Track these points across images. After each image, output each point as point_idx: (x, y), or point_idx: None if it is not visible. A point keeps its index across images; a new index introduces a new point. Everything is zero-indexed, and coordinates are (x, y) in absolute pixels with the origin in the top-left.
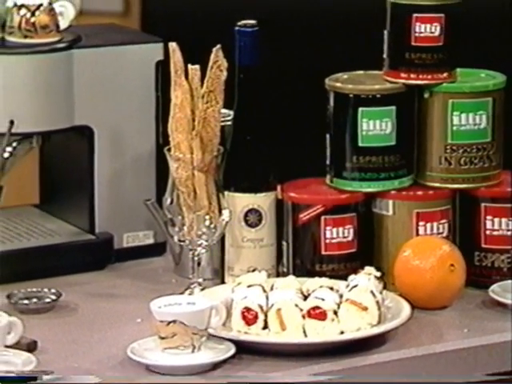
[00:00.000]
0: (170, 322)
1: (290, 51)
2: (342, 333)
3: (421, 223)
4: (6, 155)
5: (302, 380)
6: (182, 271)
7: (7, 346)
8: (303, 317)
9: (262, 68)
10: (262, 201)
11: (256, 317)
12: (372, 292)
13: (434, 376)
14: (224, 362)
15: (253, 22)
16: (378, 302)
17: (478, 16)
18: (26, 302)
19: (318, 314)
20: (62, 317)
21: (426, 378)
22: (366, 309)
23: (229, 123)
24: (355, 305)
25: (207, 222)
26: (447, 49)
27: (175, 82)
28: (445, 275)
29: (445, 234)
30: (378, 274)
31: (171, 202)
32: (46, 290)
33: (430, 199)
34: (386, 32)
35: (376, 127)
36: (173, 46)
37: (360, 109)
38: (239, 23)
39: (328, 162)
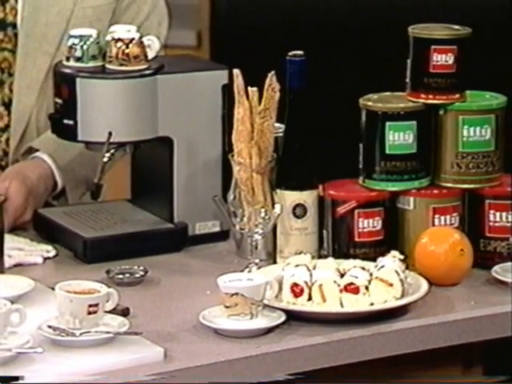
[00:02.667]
0: (233, 294)
1: (330, 76)
2: (371, 304)
3: (436, 216)
4: (105, 160)
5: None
6: (242, 253)
7: (106, 311)
8: (340, 291)
9: (307, 90)
10: (307, 197)
11: (302, 290)
12: (396, 271)
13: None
14: (276, 327)
15: (301, 52)
16: (401, 280)
17: (484, 47)
18: (120, 276)
19: (352, 288)
20: (148, 289)
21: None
22: (391, 285)
23: (281, 134)
24: (383, 281)
25: (262, 214)
26: (459, 75)
27: (238, 101)
28: (456, 258)
29: (456, 225)
30: (402, 256)
31: (234, 198)
32: (136, 267)
33: (444, 196)
34: (408, 61)
35: (400, 138)
36: (236, 72)
37: (387, 123)
38: (290, 53)
39: (361, 166)
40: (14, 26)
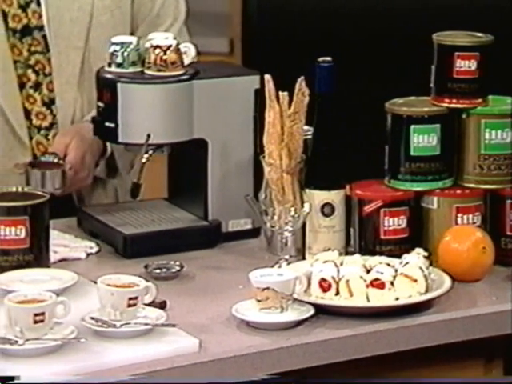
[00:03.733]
0: (264, 289)
1: (357, 81)
2: (397, 299)
3: (459, 215)
4: (143, 160)
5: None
6: (273, 250)
7: (145, 304)
8: (367, 286)
9: (335, 94)
10: (335, 196)
11: (330, 285)
12: (421, 268)
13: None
14: (305, 320)
15: (329, 58)
16: (425, 276)
17: (507, 54)
18: (157, 271)
19: (378, 284)
20: (184, 283)
21: None
22: (416, 280)
23: (309, 137)
24: (407, 277)
25: (292, 213)
26: (481, 80)
27: (269, 105)
28: (478, 255)
29: (478, 224)
30: (426, 253)
31: (265, 197)
32: (172, 262)
33: (467, 196)
34: (433, 67)
35: (424, 140)
36: (267, 77)
37: (412, 126)
38: (319, 59)
39: (386, 167)
40: (40, 28)
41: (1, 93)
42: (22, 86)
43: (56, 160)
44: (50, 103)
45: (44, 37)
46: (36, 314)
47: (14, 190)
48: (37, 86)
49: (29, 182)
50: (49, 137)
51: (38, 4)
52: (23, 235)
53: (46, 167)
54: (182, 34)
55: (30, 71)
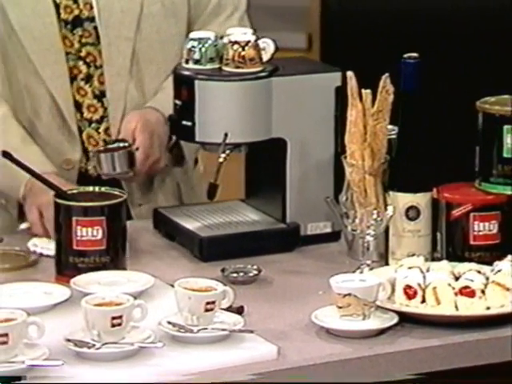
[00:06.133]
0: (345, 295)
1: (445, 78)
2: (488, 308)
3: None
4: (221, 160)
5: None
6: (354, 254)
7: (222, 309)
8: (455, 294)
9: (422, 92)
10: (420, 199)
11: (415, 293)
12: None
13: None
14: (389, 328)
15: (416, 54)
16: None
17: None
18: (235, 275)
19: (468, 292)
20: (261, 287)
21: None
22: (509, 289)
23: (394, 136)
24: (500, 286)
25: (375, 216)
26: None
27: (351, 103)
28: None
29: None
30: None
31: (346, 199)
32: (249, 266)
33: None
34: None
35: None
36: (350, 74)
37: (505, 126)
38: (405, 55)
39: (477, 169)
40: (91, 19)
41: (53, 85)
42: (73, 78)
43: (123, 145)
44: (100, 96)
45: (95, 28)
46: (114, 318)
47: (91, 189)
48: (88, 79)
49: (101, 168)
50: (100, 130)
51: None
52: (100, 236)
53: (114, 151)
54: (243, 23)
55: (81, 63)
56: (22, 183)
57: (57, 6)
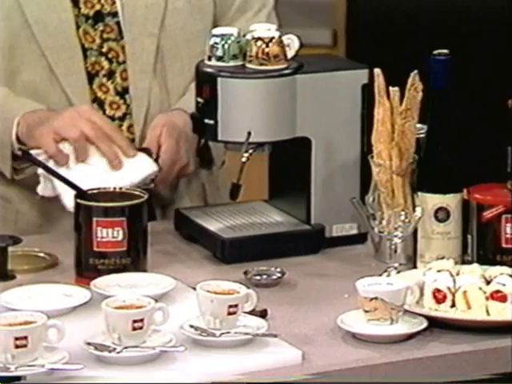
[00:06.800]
0: (372, 299)
1: (476, 76)
2: None
3: None
4: (243, 160)
5: None
6: (381, 257)
7: (245, 312)
8: (486, 298)
9: (452, 89)
10: (450, 200)
11: (445, 297)
12: None
13: None
14: (417, 333)
15: (446, 51)
16: None
17: None
18: (258, 277)
19: (499, 296)
20: (285, 291)
21: None
22: None
23: (423, 135)
24: None
25: (402, 217)
26: None
27: (378, 101)
28: None
29: None
30: None
31: (373, 200)
32: (273, 268)
33: None
34: None
35: None
36: (377, 71)
37: None
38: (434, 52)
39: (509, 170)
40: (114, 14)
41: (67, 82)
42: (94, 74)
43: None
44: (123, 92)
45: (117, 23)
46: (135, 321)
47: (111, 189)
48: (110, 75)
49: None
50: (122, 127)
51: None
52: (120, 237)
53: None
54: (271, 20)
55: (102, 59)
56: (14, 123)
57: (75, 1)
